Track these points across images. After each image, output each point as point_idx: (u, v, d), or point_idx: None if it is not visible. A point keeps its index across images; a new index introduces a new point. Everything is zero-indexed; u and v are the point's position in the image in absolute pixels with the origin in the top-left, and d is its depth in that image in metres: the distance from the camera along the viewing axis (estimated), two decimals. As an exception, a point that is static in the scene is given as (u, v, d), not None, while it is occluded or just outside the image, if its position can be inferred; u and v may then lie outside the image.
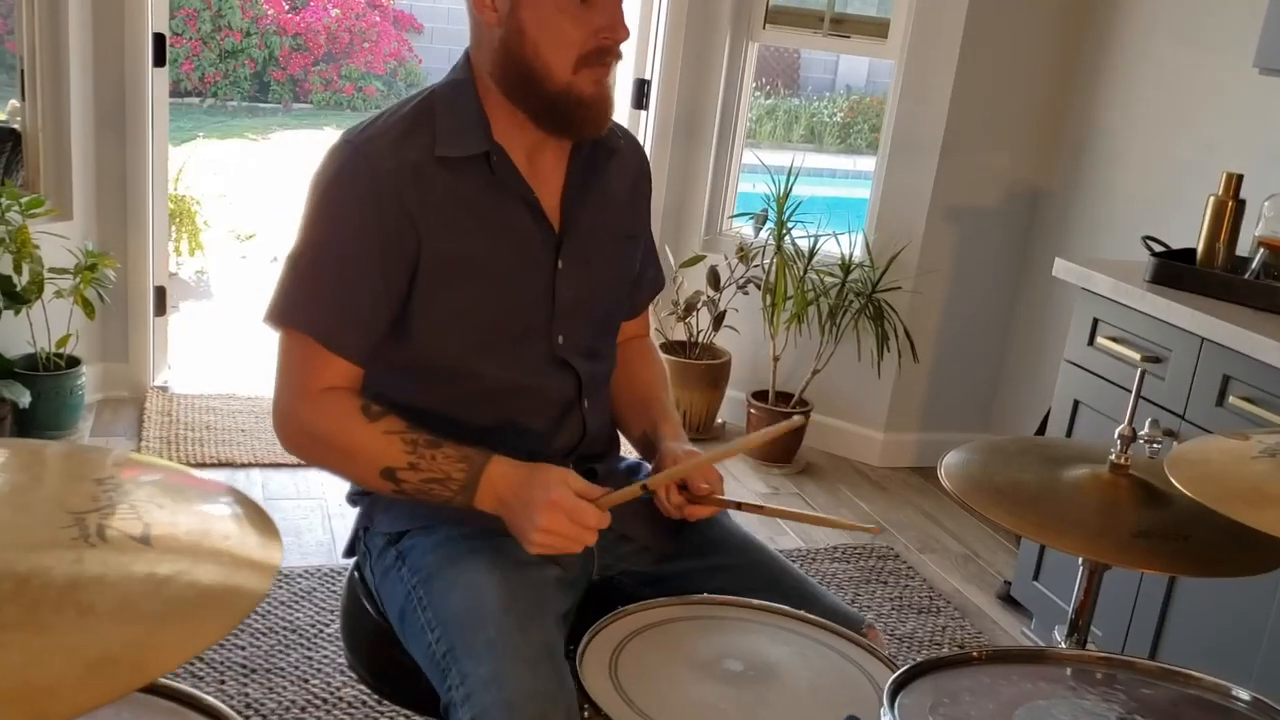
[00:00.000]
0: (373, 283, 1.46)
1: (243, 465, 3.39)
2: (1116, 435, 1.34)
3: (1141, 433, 1.34)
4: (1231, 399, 2.30)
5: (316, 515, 3.15)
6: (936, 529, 3.51)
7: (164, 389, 3.81)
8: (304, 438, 1.49)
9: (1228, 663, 2.26)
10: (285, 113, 10.80)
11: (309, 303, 1.47)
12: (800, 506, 3.52)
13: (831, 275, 3.67)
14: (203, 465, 3.34)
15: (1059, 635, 1.38)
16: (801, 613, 1.45)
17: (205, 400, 3.77)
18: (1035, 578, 2.86)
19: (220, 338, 4.68)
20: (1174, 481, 0.97)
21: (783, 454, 3.76)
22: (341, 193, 1.47)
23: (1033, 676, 1.15)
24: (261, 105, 10.90)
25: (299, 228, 1.50)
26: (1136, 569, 1.16)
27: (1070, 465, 1.39)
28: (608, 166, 1.62)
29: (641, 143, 2.11)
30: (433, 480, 1.43)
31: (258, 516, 0.91)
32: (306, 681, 2.41)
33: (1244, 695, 1.05)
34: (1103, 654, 1.12)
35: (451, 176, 1.49)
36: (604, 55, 1.47)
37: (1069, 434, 2.80)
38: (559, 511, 1.38)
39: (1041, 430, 3.33)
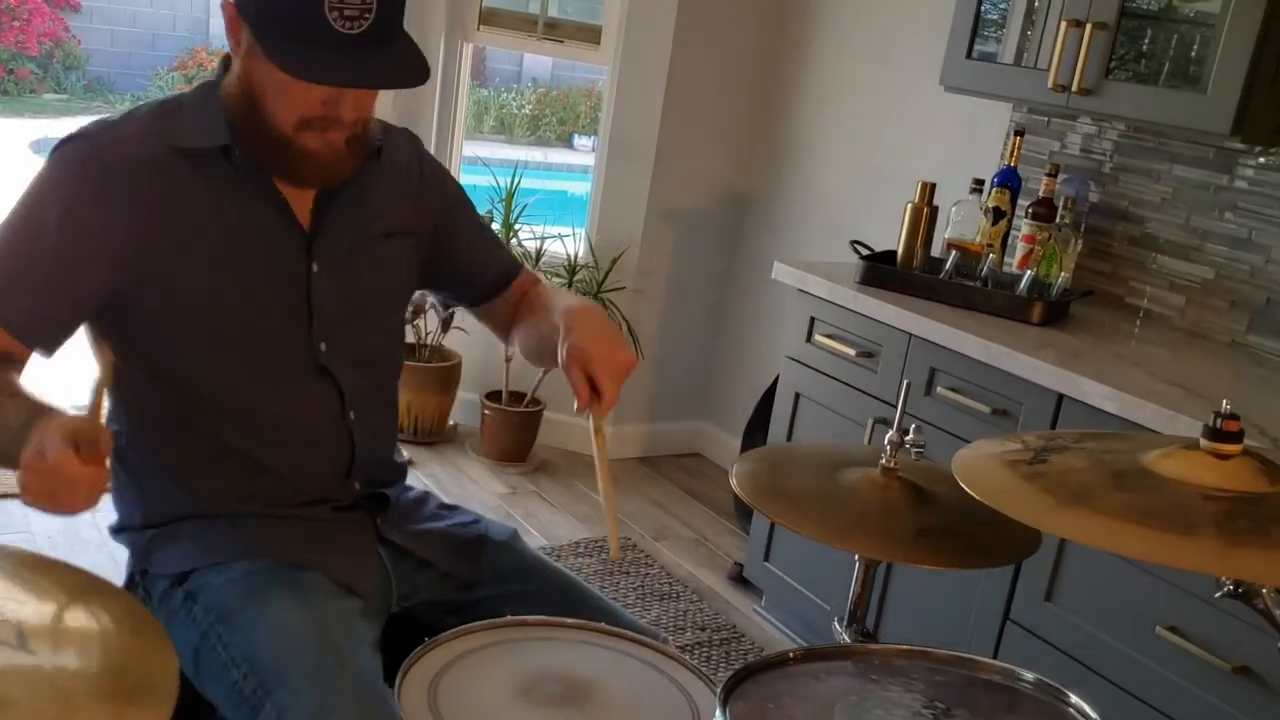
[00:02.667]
0: (66, 270, 1.40)
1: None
2: (886, 441, 1.48)
3: (907, 439, 1.49)
4: (939, 389, 2.55)
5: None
6: (667, 516, 3.66)
7: None
8: None
9: (941, 638, 2.51)
10: (-78, 96, 9.72)
11: None
12: (538, 505, 3.59)
13: (558, 275, 3.74)
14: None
15: (839, 627, 1.51)
16: (606, 626, 1.50)
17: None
18: (766, 559, 3.05)
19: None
20: (966, 489, 1.10)
21: (517, 452, 3.80)
22: (60, 181, 1.41)
23: (840, 672, 1.26)
24: (-108, 88, 9.76)
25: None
26: (924, 566, 1.29)
27: (844, 469, 1.51)
28: (366, 164, 1.54)
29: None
30: None
31: (111, 592, 0.87)
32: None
33: (1029, 676, 1.20)
34: (903, 646, 1.25)
35: (194, 171, 1.45)
36: (328, 125, 1.41)
37: (792, 424, 3.00)
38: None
39: (758, 418, 3.54)
